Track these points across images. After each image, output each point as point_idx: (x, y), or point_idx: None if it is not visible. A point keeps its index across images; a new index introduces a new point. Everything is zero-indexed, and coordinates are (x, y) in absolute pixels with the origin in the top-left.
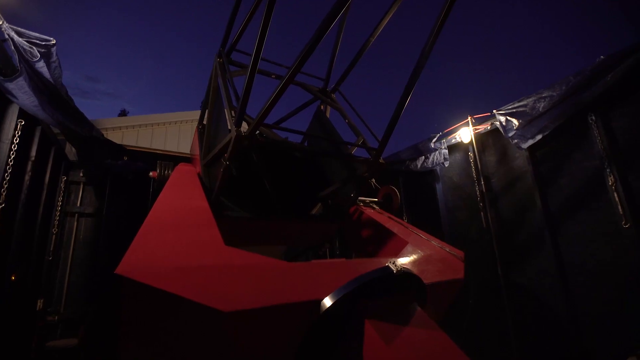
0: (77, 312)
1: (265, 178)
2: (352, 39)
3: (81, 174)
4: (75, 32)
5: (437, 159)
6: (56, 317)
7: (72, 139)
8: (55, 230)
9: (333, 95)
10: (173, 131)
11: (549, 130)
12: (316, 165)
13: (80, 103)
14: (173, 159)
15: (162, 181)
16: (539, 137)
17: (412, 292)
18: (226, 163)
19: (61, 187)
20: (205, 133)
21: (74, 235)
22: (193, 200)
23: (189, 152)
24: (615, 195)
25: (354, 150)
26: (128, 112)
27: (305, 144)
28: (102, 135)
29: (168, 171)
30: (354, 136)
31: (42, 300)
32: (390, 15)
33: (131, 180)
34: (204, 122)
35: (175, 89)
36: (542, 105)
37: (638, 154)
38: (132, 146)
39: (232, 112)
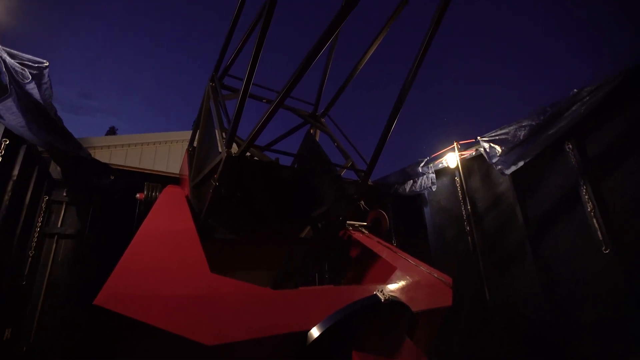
0: (49, 341)
1: (254, 199)
2: (342, 62)
3: (64, 193)
4: (70, 47)
5: (425, 183)
6: (25, 348)
7: (58, 158)
8: (32, 252)
9: (322, 120)
10: (163, 151)
11: (529, 157)
12: (306, 187)
13: (71, 119)
14: (161, 179)
15: (149, 203)
16: (521, 163)
17: (400, 321)
18: (216, 184)
19: (42, 206)
20: (196, 155)
21: (51, 258)
22: (180, 222)
23: (178, 172)
24: (595, 221)
25: (343, 173)
26: (117, 130)
27: (295, 166)
28: (90, 155)
29: (155, 193)
30: (343, 159)
31: (9, 330)
32: (378, 42)
33: (117, 201)
34: (195, 144)
35: (167, 109)
36: (523, 133)
37: (613, 181)
38: (119, 165)
39: (223, 134)
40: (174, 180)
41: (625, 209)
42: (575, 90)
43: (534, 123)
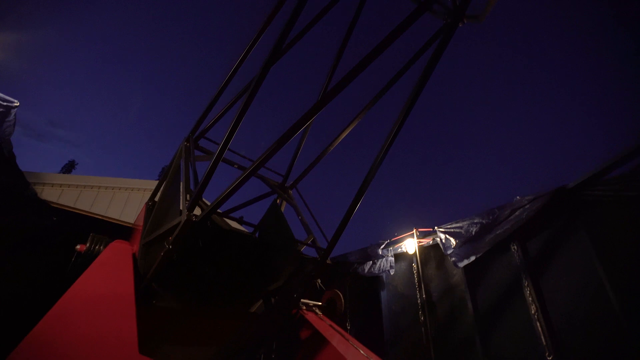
0: None
1: (208, 268)
2: (317, 138)
3: None
4: (46, 74)
5: (383, 265)
6: None
7: None
8: None
9: (290, 192)
10: (120, 198)
11: (480, 253)
12: (264, 259)
13: (33, 145)
14: (111, 227)
15: (90, 257)
16: (473, 258)
17: None
18: (169, 247)
19: None
20: (155, 210)
21: None
22: (119, 286)
23: (132, 222)
24: (538, 325)
25: (303, 249)
26: (77, 164)
27: (256, 235)
28: (36, 194)
29: (99, 247)
30: (305, 234)
31: None
32: (351, 128)
33: (52, 247)
34: (156, 198)
35: (134, 154)
36: (475, 230)
37: (552, 284)
38: (62, 205)
39: (188, 195)
40: (126, 230)
41: (565, 315)
42: (517, 197)
43: (484, 221)
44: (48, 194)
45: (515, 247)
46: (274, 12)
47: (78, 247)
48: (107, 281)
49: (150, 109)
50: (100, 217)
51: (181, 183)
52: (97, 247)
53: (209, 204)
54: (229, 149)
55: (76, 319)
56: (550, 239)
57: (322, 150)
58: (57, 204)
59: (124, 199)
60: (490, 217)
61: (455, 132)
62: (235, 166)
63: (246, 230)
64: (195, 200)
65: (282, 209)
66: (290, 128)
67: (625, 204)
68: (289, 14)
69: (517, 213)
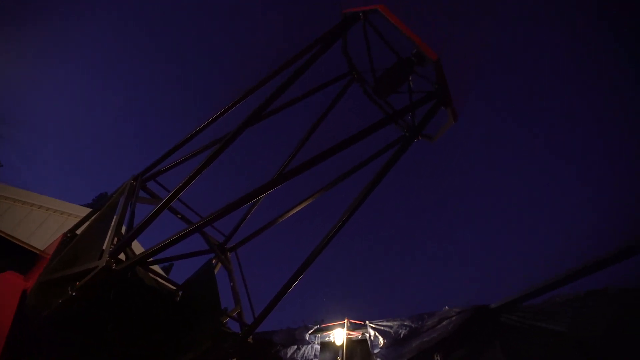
0: None
1: (113, 326)
2: (270, 203)
3: None
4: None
5: (308, 353)
6: None
7: None
8: None
9: (229, 254)
10: (36, 217)
11: (405, 359)
12: (181, 326)
13: None
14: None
15: None
16: None
17: None
18: (72, 294)
19: None
20: (72, 245)
21: None
22: None
23: (41, 249)
24: None
25: (226, 320)
26: (2, 165)
27: (180, 293)
28: None
29: None
30: (232, 303)
31: None
32: (302, 206)
33: None
34: (78, 231)
35: (74, 172)
36: (403, 332)
37: None
38: None
39: (116, 238)
40: (32, 257)
41: None
42: (446, 307)
43: (413, 325)
44: None
45: (438, 358)
46: (259, 84)
47: None
48: None
49: (107, 132)
50: (2, 235)
51: (113, 221)
52: None
53: (136, 252)
54: (178, 199)
55: None
56: (471, 354)
57: (271, 219)
58: None
59: (40, 219)
60: (420, 323)
61: (404, 234)
62: (179, 216)
63: (170, 285)
64: (123, 246)
65: (217, 270)
66: (242, 197)
67: (538, 334)
68: (273, 87)
69: (444, 323)
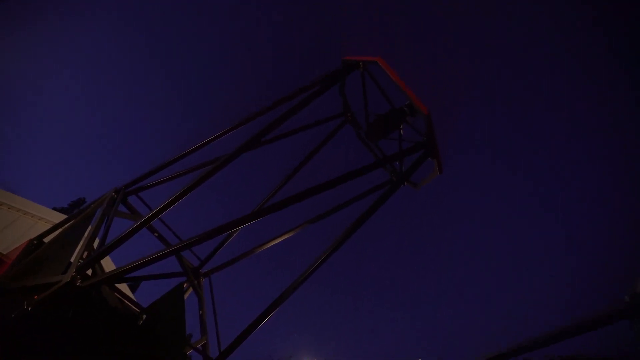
0: None
1: (66, 347)
2: (249, 230)
3: None
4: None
5: None
6: None
7: None
8: None
9: (202, 279)
10: (5, 217)
11: None
12: (140, 353)
13: None
14: None
15: None
16: None
17: None
18: (28, 309)
19: None
20: (38, 253)
21: None
22: None
23: (4, 253)
24: None
25: (190, 351)
26: None
27: (143, 317)
28: None
29: None
30: (199, 333)
31: None
32: (283, 238)
33: None
34: (45, 239)
35: (54, 173)
36: None
37: None
38: None
39: (86, 252)
40: None
41: None
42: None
43: None
44: None
45: None
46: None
47: None
48: None
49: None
50: None
51: (86, 233)
52: None
53: (105, 268)
54: (159, 218)
55: None
56: None
57: (250, 248)
58: None
59: (8, 220)
60: None
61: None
62: (156, 235)
63: (135, 308)
64: (93, 262)
65: (186, 295)
66: (222, 225)
67: None
68: (274, 114)
69: None
